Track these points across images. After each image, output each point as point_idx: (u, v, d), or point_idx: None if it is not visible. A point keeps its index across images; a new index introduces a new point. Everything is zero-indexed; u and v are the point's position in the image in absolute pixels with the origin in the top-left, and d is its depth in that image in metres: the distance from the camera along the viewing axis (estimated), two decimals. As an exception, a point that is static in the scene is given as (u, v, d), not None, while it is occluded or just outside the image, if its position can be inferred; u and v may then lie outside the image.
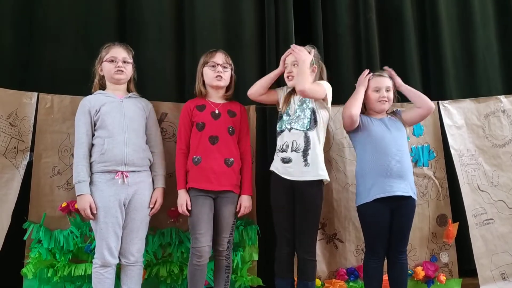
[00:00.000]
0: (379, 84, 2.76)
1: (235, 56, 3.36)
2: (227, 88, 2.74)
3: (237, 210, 2.62)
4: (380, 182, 2.58)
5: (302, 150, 2.54)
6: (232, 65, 2.75)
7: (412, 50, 3.74)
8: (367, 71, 2.84)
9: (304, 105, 2.61)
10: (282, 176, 2.55)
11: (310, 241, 2.56)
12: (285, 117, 2.62)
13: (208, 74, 2.66)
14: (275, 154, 2.64)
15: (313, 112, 2.58)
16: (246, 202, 2.63)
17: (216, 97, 2.70)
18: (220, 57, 2.68)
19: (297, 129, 2.57)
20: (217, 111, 2.65)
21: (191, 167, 2.56)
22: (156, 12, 3.34)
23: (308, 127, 2.57)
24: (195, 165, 2.55)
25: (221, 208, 2.57)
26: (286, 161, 2.54)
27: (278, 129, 2.64)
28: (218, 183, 2.53)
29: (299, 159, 2.53)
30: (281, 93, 2.73)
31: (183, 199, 2.54)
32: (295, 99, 2.65)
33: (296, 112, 2.60)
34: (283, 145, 2.57)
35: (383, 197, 2.55)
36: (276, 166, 2.59)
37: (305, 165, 2.53)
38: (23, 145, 2.67)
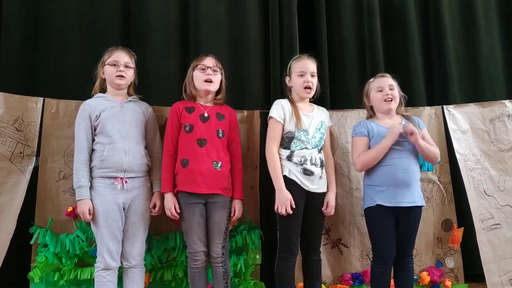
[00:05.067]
0: (382, 84, 2.74)
1: (239, 61, 3.40)
2: (218, 92, 2.73)
3: (231, 215, 2.61)
4: (386, 191, 2.59)
5: (319, 165, 2.62)
6: (222, 70, 2.74)
7: (416, 55, 3.74)
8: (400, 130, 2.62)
9: (322, 129, 2.70)
10: (302, 186, 2.56)
11: (320, 243, 2.70)
12: (303, 137, 2.61)
13: (198, 77, 2.65)
14: (289, 162, 2.59)
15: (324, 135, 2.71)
16: (237, 206, 2.63)
17: (205, 101, 2.70)
18: (210, 61, 2.68)
19: (316, 149, 2.63)
20: (206, 114, 2.63)
21: (179, 170, 2.55)
22: (161, 17, 3.37)
23: (321, 147, 2.67)
24: (184, 167, 2.54)
25: (212, 214, 2.55)
26: (308, 173, 2.57)
27: (294, 148, 2.61)
28: (206, 186, 2.51)
29: (318, 173, 2.60)
30: (284, 112, 2.65)
31: (170, 203, 2.53)
32: (309, 118, 2.66)
33: (316, 135, 2.65)
34: (301, 159, 2.58)
35: (388, 206, 2.58)
36: (297, 176, 2.56)
37: (320, 177, 2.62)
38: (29, 150, 2.69)
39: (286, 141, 2.63)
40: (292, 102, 2.69)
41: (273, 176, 2.57)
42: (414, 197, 2.60)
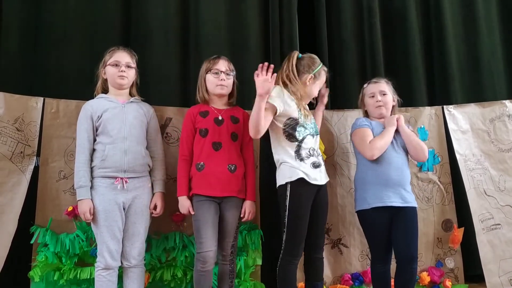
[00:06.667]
0: (373, 90, 2.81)
1: (239, 62, 3.39)
2: (230, 95, 2.74)
3: (241, 216, 2.61)
4: (379, 191, 2.61)
5: (320, 154, 2.59)
6: (235, 72, 2.75)
7: (416, 55, 3.75)
8: (396, 116, 2.77)
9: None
10: (312, 182, 2.47)
11: (324, 240, 2.67)
12: (308, 123, 2.54)
13: (211, 81, 2.66)
14: (299, 162, 2.47)
15: None
16: (250, 208, 2.62)
17: (219, 104, 2.70)
18: (223, 64, 2.68)
19: (317, 135, 2.61)
20: (220, 117, 2.64)
21: (194, 174, 2.57)
22: (161, 17, 3.37)
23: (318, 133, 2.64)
24: (199, 171, 2.55)
25: (225, 213, 2.56)
26: (316, 165, 2.51)
27: (299, 136, 2.49)
28: (221, 189, 2.53)
29: (322, 163, 2.57)
30: (282, 101, 2.48)
31: (185, 209, 2.54)
32: (305, 105, 2.63)
33: (312, 120, 2.62)
34: (309, 151, 2.51)
35: (381, 206, 2.59)
36: (306, 173, 2.45)
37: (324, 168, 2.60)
38: (30, 150, 2.69)
39: (289, 129, 2.49)
40: (294, 93, 2.55)
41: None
42: (406, 197, 2.61)
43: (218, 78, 2.64)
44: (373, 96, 2.79)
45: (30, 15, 3.19)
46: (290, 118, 2.50)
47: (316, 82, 2.64)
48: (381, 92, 2.78)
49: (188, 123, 2.65)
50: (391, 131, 2.69)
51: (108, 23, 3.31)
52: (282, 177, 2.50)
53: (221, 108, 2.70)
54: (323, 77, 2.67)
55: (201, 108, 2.68)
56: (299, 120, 2.50)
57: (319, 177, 2.52)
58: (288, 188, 2.47)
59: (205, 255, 2.44)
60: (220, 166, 2.55)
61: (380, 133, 2.70)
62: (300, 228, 2.47)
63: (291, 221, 2.47)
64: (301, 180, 2.45)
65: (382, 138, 2.66)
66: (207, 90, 2.69)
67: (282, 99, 2.49)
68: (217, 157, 2.56)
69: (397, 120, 2.74)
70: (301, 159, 2.48)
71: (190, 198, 2.57)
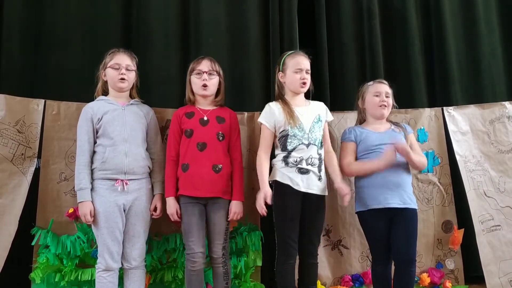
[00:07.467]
0: (379, 89, 2.79)
1: (239, 62, 3.41)
2: (217, 94, 2.73)
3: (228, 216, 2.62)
4: (378, 192, 2.61)
5: (317, 165, 2.58)
6: (220, 72, 2.74)
7: (416, 57, 3.74)
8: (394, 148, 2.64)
9: (320, 123, 2.65)
10: (295, 188, 2.51)
11: (318, 246, 2.65)
12: (298, 132, 2.56)
13: (194, 82, 2.67)
14: (284, 166, 2.56)
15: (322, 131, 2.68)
16: (236, 208, 2.61)
17: (205, 104, 2.71)
18: (205, 64, 2.68)
19: (314, 144, 2.58)
20: (205, 118, 2.64)
21: (180, 174, 2.58)
22: (161, 19, 3.38)
23: (320, 145, 2.63)
24: (184, 171, 2.56)
25: (211, 215, 2.57)
26: (303, 171, 2.53)
27: (290, 147, 2.56)
28: (206, 189, 2.54)
29: (315, 172, 2.56)
30: (274, 116, 2.61)
31: (172, 208, 2.56)
32: (303, 113, 2.62)
33: (313, 129, 2.61)
34: (297, 159, 2.54)
35: (380, 207, 2.59)
36: (290, 177, 2.52)
37: (319, 179, 2.58)
38: (31, 152, 2.71)
39: (282, 140, 2.59)
40: (283, 100, 2.65)
41: (259, 179, 2.56)
42: (405, 198, 2.61)
43: (201, 79, 2.65)
44: (378, 96, 2.78)
45: (31, 17, 3.20)
46: (282, 130, 2.59)
47: (287, 72, 2.64)
48: (386, 93, 2.79)
49: (175, 124, 2.67)
50: (378, 167, 2.61)
51: (109, 24, 3.31)
52: (270, 177, 2.59)
53: (207, 108, 2.70)
54: (290, 62, 2.63)
55: (187, 109, 2.69)
56: (289, 132, 2.56)
57: (302, 183, 2.53)
58: (273, 187, 2.56)
59: (194, 256, 2.49)
60: (205, 167, 2.56)
61: (368, 161, 2.67)
62: (286, 225, 2.51)
63: (278, 219, 2.55)
64: (281, 183, 2.54)
65: (363, 167, 2.69)
66: (192, 91, 2.71)
67: (269, 115, 2.62)
68: (202, 157, 2.57)
69: (403, 150, 2.62)
70: (287, 163, 2.55)
71: (178, 198, 2.58)
